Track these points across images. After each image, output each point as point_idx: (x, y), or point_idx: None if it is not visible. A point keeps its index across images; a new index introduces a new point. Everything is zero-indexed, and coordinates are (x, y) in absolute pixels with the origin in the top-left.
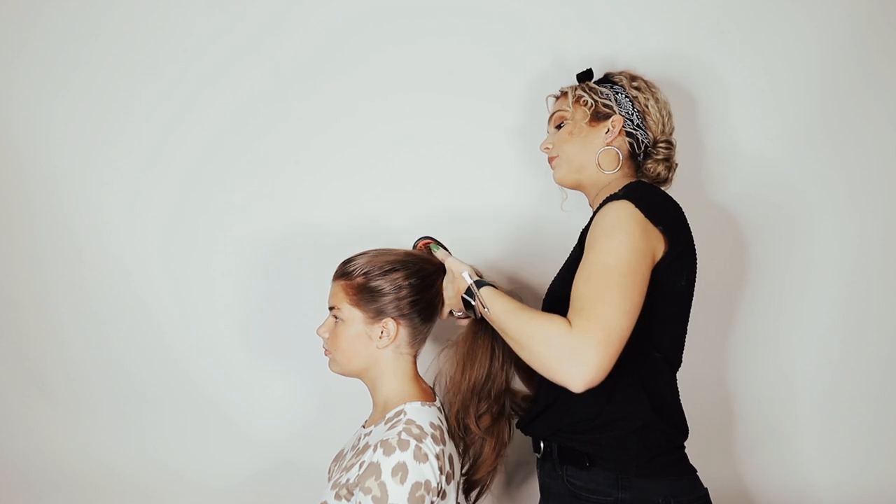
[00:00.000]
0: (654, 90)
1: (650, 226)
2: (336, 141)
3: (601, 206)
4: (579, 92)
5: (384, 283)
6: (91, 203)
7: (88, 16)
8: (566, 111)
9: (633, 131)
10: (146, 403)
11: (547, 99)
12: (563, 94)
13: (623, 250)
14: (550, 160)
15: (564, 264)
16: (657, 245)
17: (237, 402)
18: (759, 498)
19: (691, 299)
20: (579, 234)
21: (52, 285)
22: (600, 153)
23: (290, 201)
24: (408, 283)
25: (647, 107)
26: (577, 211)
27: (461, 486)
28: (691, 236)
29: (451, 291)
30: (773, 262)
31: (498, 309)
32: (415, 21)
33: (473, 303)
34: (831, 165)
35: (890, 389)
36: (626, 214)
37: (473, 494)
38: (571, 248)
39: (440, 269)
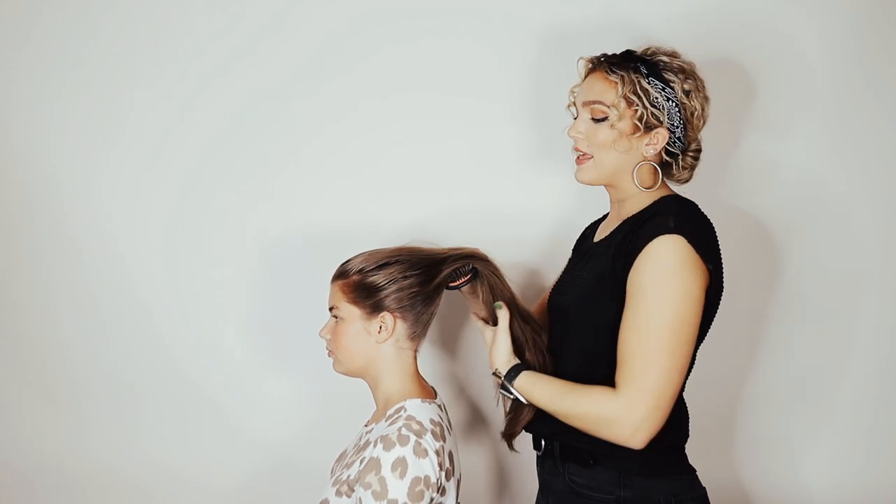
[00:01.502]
0: (703, 90)
1: (700, 263)
2: (336, 141)
3: (647, 232)
4: (629, 93)
5: (379, 278)
6: (91, 203)
7: (88, 16)
8: (611, 111)
9: (672, 147)
10: (146, 403)
11: (579, 62)
12: (611, 80)
13: (677, 302)
14: (579, 156)
15: (578, 272)
16: (705, 281)
17: (237, 403)
18: (758, 498)
19: (710, 326)
20: (599, 241)
21: (52, 285)
22: (638, 168)
23: (290, 201)
24: (402, 276)
25: (692, 115)
26: (580, 211)
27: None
28: (722, 262)
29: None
30: (771, 263)
31: (538, 397)
32: (415, 21)
33: (511, 397)
34: (831, 165)
35: (890, 390)
36: (681, 256)
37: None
38: (573, 249)
39: (435, 261)
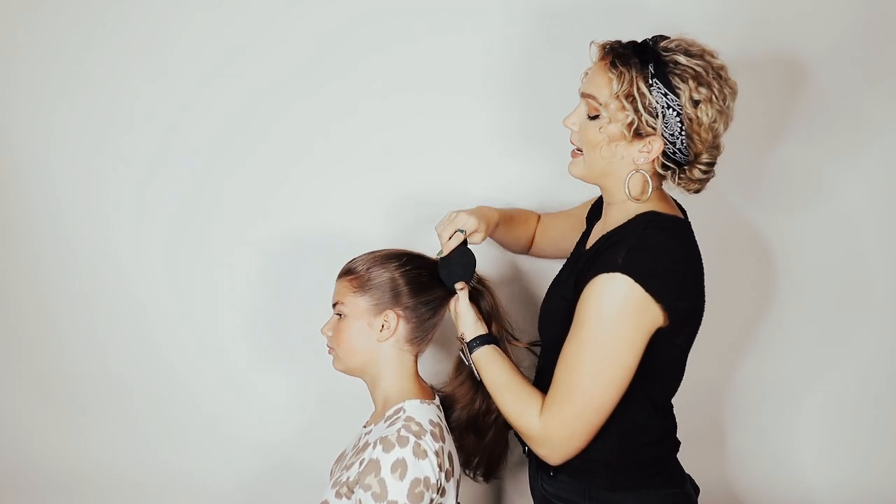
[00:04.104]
0: (720, 101)
1: (651, 303)
2: (338, 143)
3: (598, 265)
4: (623, 95)
5: (385, 272)
6: (91, 204)
7: (89, 16)
8: (602, 109)
9: (670, 157)
10: (146, 404)
11: (591, 45)
12: (610, 75)
13: (613, 343)
14: (573, 150)
15: (562, 279)
16: (656, 320)
17: (238, 403)
18: (758, 498)
19: (691, 346)
20: (586, 250)
21: (52, 286)
22: (629, 178)
23: (291, 203)
24: (408, 277)
25: (698, 126)
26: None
27: (478, 475)
28: (702, 287)
29: (453, 320)
30: (770, 263)
31: (485, 376)
32: (417, 19)
33: (467, 363)
34: (830, 165)
35: (890, 390)
36: (619, 299)
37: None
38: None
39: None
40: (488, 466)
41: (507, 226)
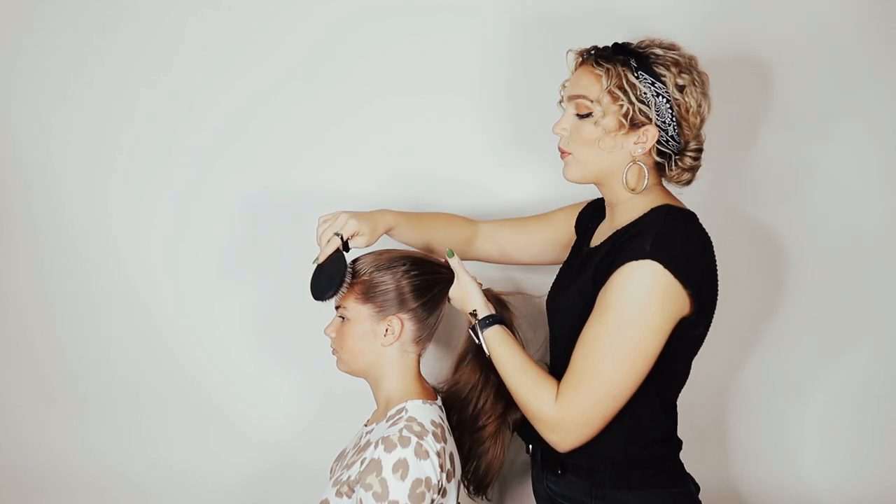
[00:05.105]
0: (700, 86)
1: (680, 289)
2: (340, 142)
3: (623, 254)
4: (615, 87)
5: (388, 279)
6: (92, 203)
7: (89, 15)
8: (594, 106)
9: (664, 145)
10: (147, 403)
11: (568, 54)
12: (596, 73)
13: (632, 332)
14: (562, 153)
15: (569, 279)
16: (682, 308)
17: (238, 402)
18: (759, 498)
19: (703, 342)
20: (593, 248)
21: (53, 285)
22: (627, 170)
23: (294, 202)
24: (411, 279)
25: (686, 111)
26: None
27: (469, 486)
28: (717, 277)
29: (459, 304)
30: (770, 263)
31: (497, 356)
32: (417, 20)
33: (478, 341)
34: (830, 165)
35: (890, 390)
36: (649, 286)
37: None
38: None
39: (445, 268)
40: (484, 476)
41: (418, 227)
